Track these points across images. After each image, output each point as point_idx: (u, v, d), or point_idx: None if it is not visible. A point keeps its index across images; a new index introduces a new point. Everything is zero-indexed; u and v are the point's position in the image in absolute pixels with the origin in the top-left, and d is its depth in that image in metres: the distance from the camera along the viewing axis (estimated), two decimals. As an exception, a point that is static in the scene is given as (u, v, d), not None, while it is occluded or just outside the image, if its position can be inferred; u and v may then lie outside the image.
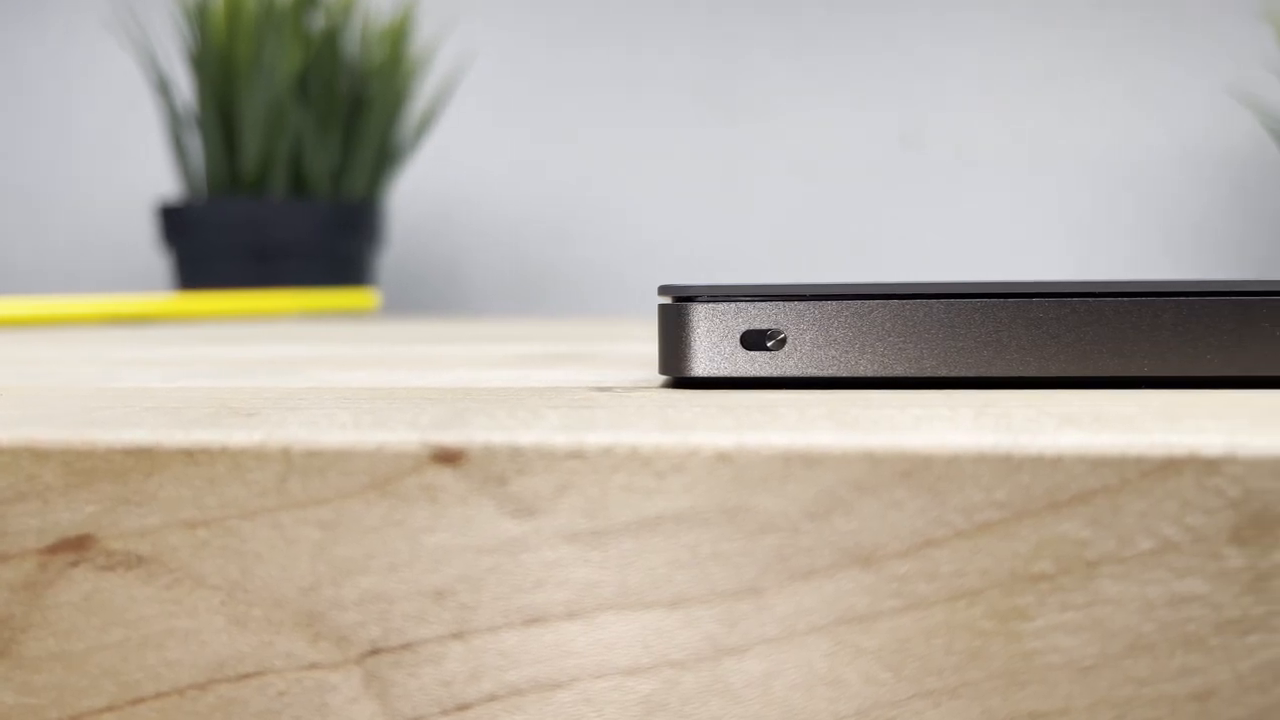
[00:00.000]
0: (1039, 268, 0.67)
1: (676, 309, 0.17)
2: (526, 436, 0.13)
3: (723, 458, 0.12)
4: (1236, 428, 0.12)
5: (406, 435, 0.13)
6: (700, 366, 0.17)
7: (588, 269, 0.73)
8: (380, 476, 0.13)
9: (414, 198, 0.73)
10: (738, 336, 0.17)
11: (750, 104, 0.71)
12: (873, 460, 0.12)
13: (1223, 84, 0.64)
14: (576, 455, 0.12)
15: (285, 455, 0.13)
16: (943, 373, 0.17)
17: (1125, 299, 0.16)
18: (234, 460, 0.13)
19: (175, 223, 0.61)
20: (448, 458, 0.13)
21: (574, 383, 0.19)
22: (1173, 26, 0.67)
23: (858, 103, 0.70)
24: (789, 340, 0.17)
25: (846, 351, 0.17)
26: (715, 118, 0.71)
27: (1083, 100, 0.68)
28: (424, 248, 0.75)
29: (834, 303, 0.17)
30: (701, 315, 0.17)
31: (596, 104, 0.73)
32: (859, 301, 0.17)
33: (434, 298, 0.75)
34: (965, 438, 0.12)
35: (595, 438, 0.12)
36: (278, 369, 0.22)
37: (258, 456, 0.13)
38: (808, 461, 0.12)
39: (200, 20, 0.60)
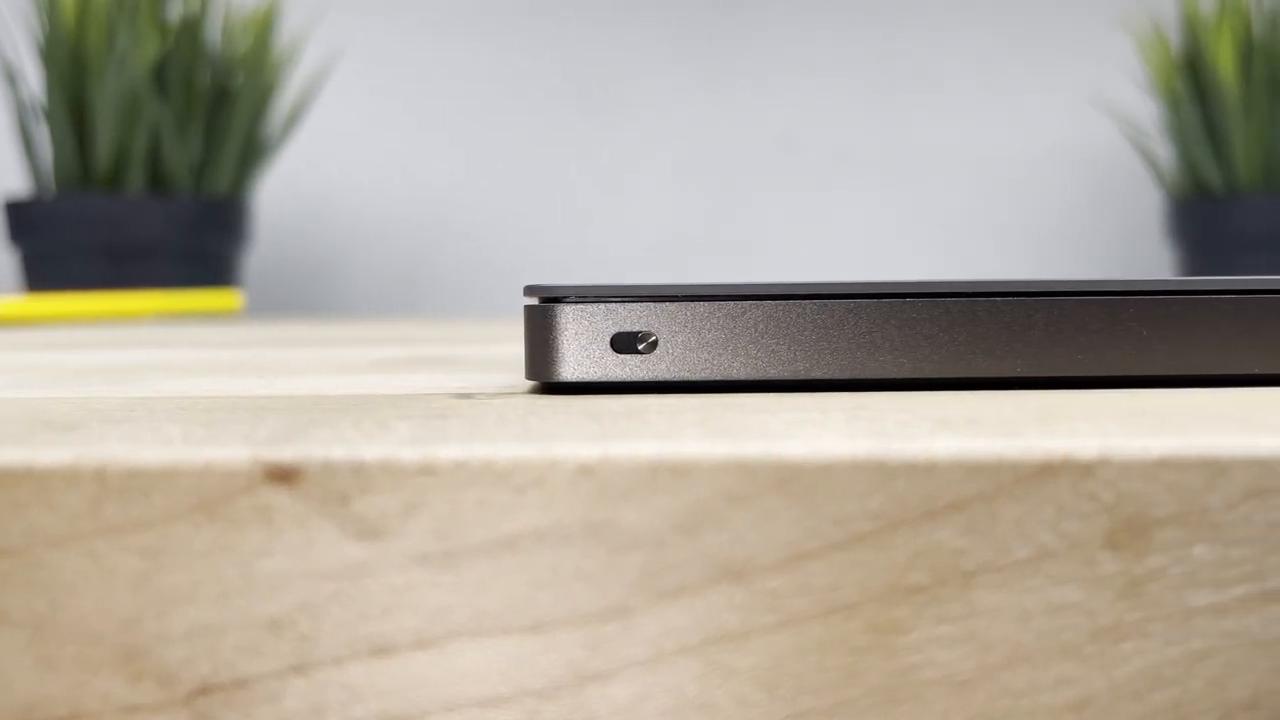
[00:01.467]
0: (915, 268, 0.69)
1: (543, 310, 0.17)
2: (371, 451, 0.11)
3: (585, 470, 0.11)
4: (1109, 430, 0.12)
5: (238, 451, 0.12)
6: (568, 371, 0.16)
7: (465, 268, 0.71)
8: (209, 497, 0.12)
9: (283, 195, 0.70)
10: (607, 339, 0.16)
11: (629, 102, 0.70)
12: (745, 470, 0.11)
13: (1085, 90, 0.67)
14: (426, 471, 0.11)
15: (100, 476, 0.11)
16: (817, 375, 0.16)
17: (997, 299, 0.16)
18: (40, 483, 0.11)
19: (22, 219, 0.58)
20: (283, 476, 0.11)
21: (435, 389, 0.17)
22: (1038, 34, 0.69)
23: (736, 103, 0.70)
24: (660, 343, 0.16)
25: (720, 354, 0.16)
26: (594, 115, 0.70)
27: (954, 103, 0.70)
28: (294, 246, 0.72)
29: (706, 303, 0.16)
30: (569, 317, 0.16)
31: (472, 100, 0.71)
32: (732, 302, 0.16)
33: (305, 299, 0.72)
34: (839, 444, 0.12)
35: (447, 451, 0.11)
36: (114, 377, 0.20)
37: (68, 478, 0.11)
38: (677, 472, 0.11)
39: (49, 7, 0.57)
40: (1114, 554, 0.12)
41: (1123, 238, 0.68)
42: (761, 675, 0.12)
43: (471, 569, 0.11)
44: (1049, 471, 0.11)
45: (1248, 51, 0.54)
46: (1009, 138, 0.69)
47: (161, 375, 0.21)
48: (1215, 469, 0.11)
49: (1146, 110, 0.63)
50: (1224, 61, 0.54)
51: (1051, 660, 0.12)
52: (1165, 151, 0.60)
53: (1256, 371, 0.16)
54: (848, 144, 0.70)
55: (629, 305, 0.16)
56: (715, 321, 0.16)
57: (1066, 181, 0.69)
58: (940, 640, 0.12)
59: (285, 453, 0.12)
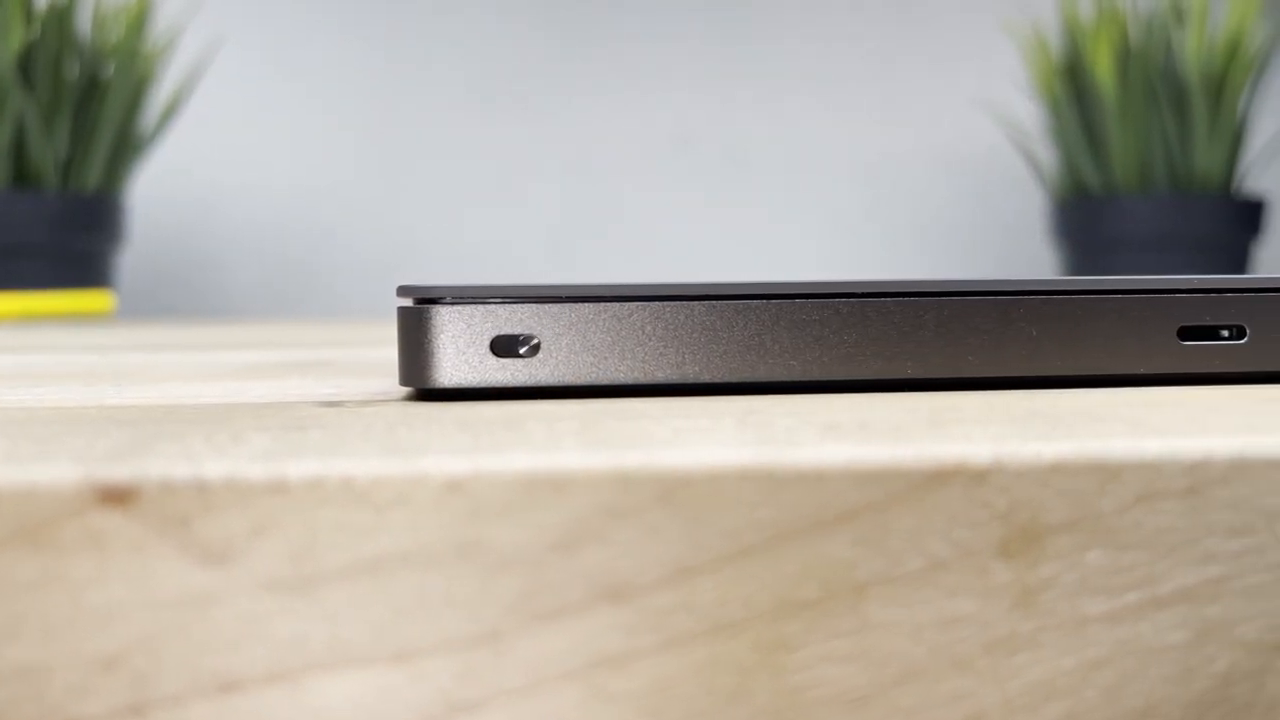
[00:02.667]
0: (806, 269, 0.69)
1: (417, 312, 0.16)
2: (216, 468, 0.10)
3: (453, 486, 0.11)
4: (1002, 434, 0.12)
5: (66, 471, 0.10)
6: (444, 377, 0.15)
7: (352, 269, 0.69)
8: (33, 522, 0.10)
9: (161, 192, 0.67)
10: (487, 342, 0.16)
11: (523, 101, 0.69)
12: (626, 482, 0.11)
13: (973, 94, 0.68)
14: (276, 489, 0.10)
15: (-96, 500, 0.10)
16: (706, 379, 0.16)
17: (887, 300, 0.16)
18: None
19: None
20: (116, 497, 0.10)
21: (303, 396, 0.16)
22: (927, 37, 0.70)
23: (630, 103, 0.70)
24: (543, 346, 0.16)
25: (605, 357, 0.16)
26: (485, 113, 0.69)
27: (845, 105, 0.70)
28: (173, 246, 0.69)
29: (591, 305, 0.16)
30: (446, 319, 0.15)
31: (360, 95, 0.69)
32: (617, 303, 0.16)
33: (183, 300, 0.69)
34: (725, 453, 0.11)
35: (300, 467, 0.11)
36: (-49, 386, 0.19)
37: None
38: (554, 486, 0.11)
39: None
40: (1007, 563, 0.11)
41: (1008, 238, 0.70)
42: (645, 699, 0.11)
43: (329, 595, 0.11)
44: (941, 479, 0.11)
45: (1125, 58, 0.55)
46: (899, 139, 0.70)
47: (5, 383, 0.19)
48: (1107, 473, 0.11)
49: (1030, 114, 0.64)
50: (1102, 67, 0.55)
51: (944, 674, 0.11)
52: (1048, 154, 0.62)
53: (1143, 371, 0.16)
54: (740, 144, 0.70)
55: (509, 306, 0.16)
56: (600, 323, 0.16)
57: (954, 183, 0.70)
58: (831, 657, 0.11)
59: (120, 471, 0.10)
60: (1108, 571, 0.11)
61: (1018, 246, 0.70)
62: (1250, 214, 0.55)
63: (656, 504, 0.11)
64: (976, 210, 0.70)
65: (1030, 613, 0.11)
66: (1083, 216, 0.57)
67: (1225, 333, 0.16)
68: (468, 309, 0.15)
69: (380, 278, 0.69)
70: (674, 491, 0.11)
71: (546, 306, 0.16)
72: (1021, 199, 0.69)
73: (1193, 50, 0.54)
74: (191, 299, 0.70)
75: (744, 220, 0.70)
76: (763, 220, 0.70)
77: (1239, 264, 0.56)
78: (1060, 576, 0.11)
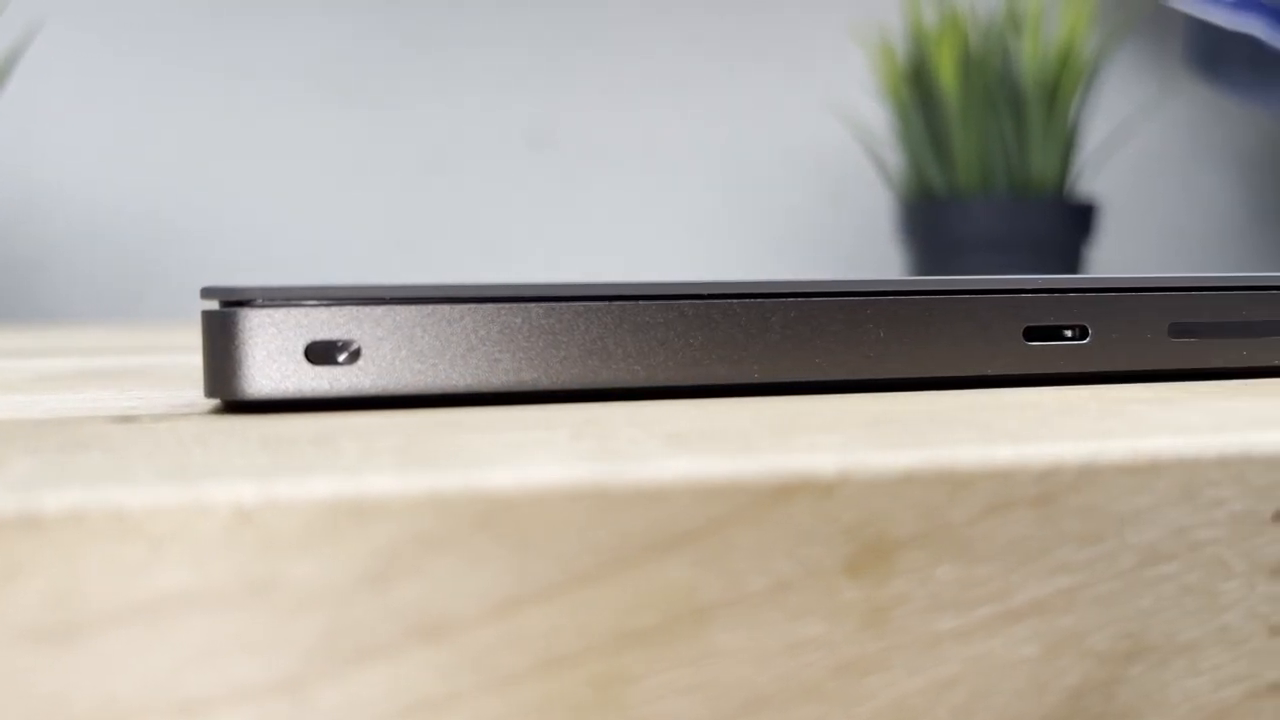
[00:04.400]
0: (658, 269, 0.69)
1: (223, 316, 0.14)
2: (-48, 502, 0.09)
3: (244, 517, 0.09)
4: (849, 443, 0.11)
5: None
6: (253, 386, 0.14)
7: (190, 268, 0.66)
8: None
9: (-30, 186, 0.62)
10: (301, 348, 0.14)
11: (371, 94, 0.67)
12: (444, 507, 0.10)
13: (825, 95, 0.69)
14: (30, 523, 0.09)
15: None
16: (544, 385, 0.15)
17: (733, 301, 0.15)
18: None
19: None
20: None
21: (95, 410, 0.15)
22: (779, 39, 0.71)
23: (482, 100, 0.68)
24: (364, 352, 0.14)
25: (433, 364, 0.14)
26: (332, 107, 0.67)
27: (699, 106, 0.70)
28: (-13, 244, 0.64)
29: (415, 307, 0.14)
30: (255, 323, 0.14)
31: (199, 85, 0.66)
32: (445, 305, 0.14)
33: (7, 302, 0.64)
34: (555, 471, 0.10)
35: (60, 498, 0.09)
36: None
37: None
38: (360, 514, 0.10)
39: None
40: (855, 580, 0.10)
41: (860, 239, 0.71)
42: (469, 745, 0.10)
43: (97, 644, 0.09)
44: (786, 493, 0.10)
45: (966, 64, 0.57)
46: (752, 141, 0.70)
47: None
48: (957, 483, 0.11)
49: (878, 117, 0.66)
50: (945, 72, 0.56)
51: (792, 701, 0.10)
52: (895, 157, 0.63)
53: (990, 373, 0.16)
54: (595, 143, 0.69)
55: (326, 309, 0.14)
56: (426, 327, 0.14)
57: (807, 184, 0.71)
58: (673, 688, 0.10)
59: None
60: (959, 585, 0.11)
61: (870, 247, 0.71)
62: (1082, 216, 0.57)
63: (477, 530, 0.10)
64: (828, 211, 0.71)
65: (880, 632, 0.11)
66: (928, 218, 0.59)
67: (1069, 333, 0.16)
68: (279, 312, 0.14)
69: (218, 279, 0.66)
70: (496, 516, 0.10)
71: (367, 309, 0.14)
72: (872, 200, 0.70)
73: (1028, 58, 0.56)
74: (16, 301, 0.65)
75: (598, 220, 0.69)
76: (617, 220, 0.69)
77: (1073, 264, 0.58)
78: (910, 593, 0.11)
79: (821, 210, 0.72)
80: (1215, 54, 0.59)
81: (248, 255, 0.66)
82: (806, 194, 0.71)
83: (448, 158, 0.68)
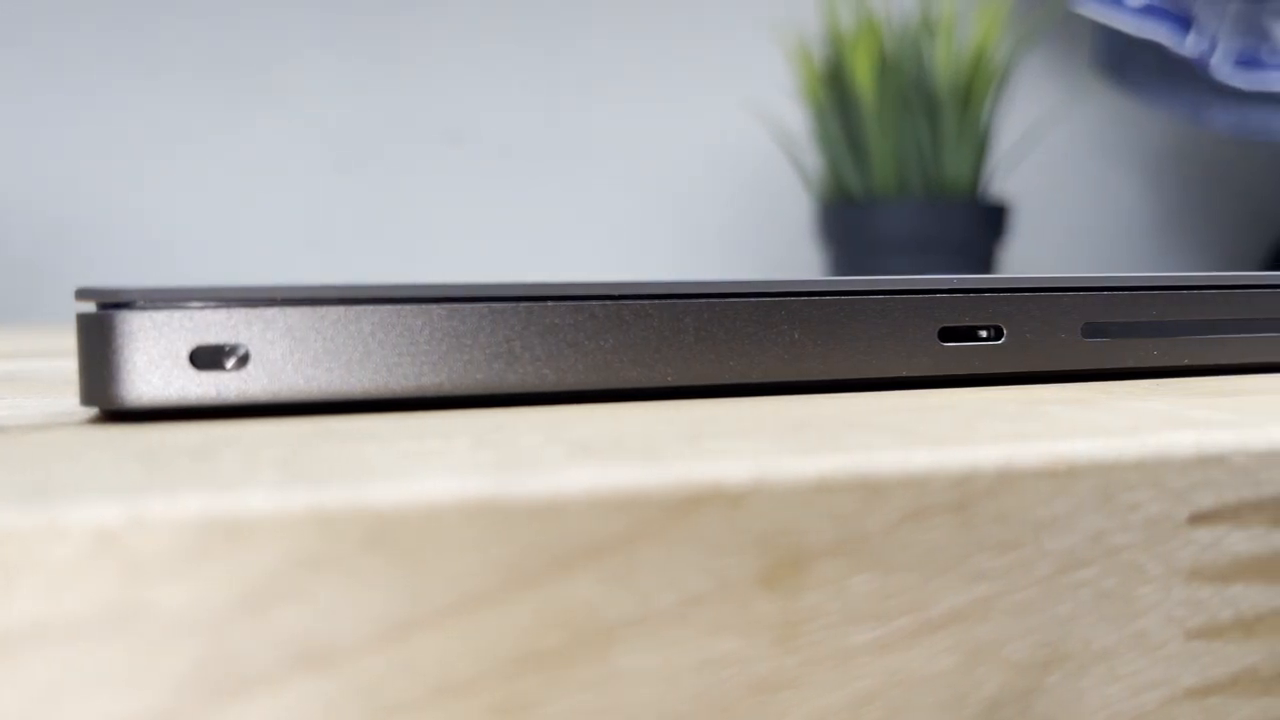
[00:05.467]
0: (577, 269, 0.68)
1: (100, 319, 0.13)
2: None
3: (106, 538, 0.09)
4: (762, 450, 0.11)
5: None
6: (133, 395, 0.13)
7: (91, 266, 0.63)
8: None
9: None
10: (186, 353, 0.13)
11: (280, 88, 0.65)
12: (327, 525, 0.09)
13: (745, 96, 0.69)
14: None
15: None
16: (448, 391, 0.14)
17: (645, 301, 0.15)
18: None
19: None
20: None
21: (-41, 423, 0.14)
22: (700, 39, 0.71)
23: (400, 96, 0.67)
24: (253, 356, 0.13)
25: (329, 369, 0.14)
26: (241, 100, 0.65)
27: (620, 105, 0.70)
28: None
29: (309, 308, 0.14)
30: (135, 327, 0.13)
31: (99, 75, 0.63)
32: (342, 307, 0.14)
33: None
34: (449, 484, 0.09)
35: (-109, 523, 0.08)
36: None
37: None
38: (237, 534, 0.09)
39: None
40: (769, 593, 0.10)
41: (781, 240, 0.71)
42: (359, 780, 0.09)
43: (-63, 685, 0.08)
44: (696, 504, 0.10)
45: (882, 67, 0.57)
46: (673, 141, 0.70)
47: None
48: (872, 490, 0.10)
49: (797, 118, 0.66)
50: (862, 76, 0.57)
51: (705, 722, 0.10)
52: (813, 158, 0.63)
53: (905, 374, 0.16)
54: (514, 141, 0.68)
55: (213, 311, 0.13)
56: (321, 330, 0.14)
57: (727, 185, 0.71)
58: (578, 712, 0.10)
59: None
60: (875, 596, 0.10)
61: (790, 249, 0.71)
62: (995, 217, 0.58)
63: (364, 549, 0.09)
64: (749, 212, 0.71)
65: (795, 646, 0.10)
66: (846, 220, 0.59)
67: (984, 333, 0.16)
68: (161, 314, 0.13)
69: (122, 279, 0.63)
70: (385, 534, 0.09)
71: (256, 311, 0.13)
72: (792, 201, 0.70)
73: (942, 62, 0.56)
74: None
75: (518, 220, 0.68)
76: (535, 221, 0.69)
77: (987, 265, 0.59)
78: (825, 605, 0.10)
79: (742, 211, 0.72)
80: (1122, 59, 0.60)
81: (149, 257, 0.64)
82: (727, 194, 0.71)
83: (361, 155, 0.67)
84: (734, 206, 0.71)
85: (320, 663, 0.09)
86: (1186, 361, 0.17)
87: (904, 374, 0.16)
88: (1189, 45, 0.54)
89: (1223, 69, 0.53)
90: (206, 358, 0.13)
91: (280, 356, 0.14)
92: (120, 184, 0.64)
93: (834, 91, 0.60)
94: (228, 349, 0.13)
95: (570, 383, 0.14)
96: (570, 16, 0.70)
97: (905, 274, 0.16)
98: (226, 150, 0.65)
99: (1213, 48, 0.54)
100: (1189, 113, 0.57)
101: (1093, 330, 0.17)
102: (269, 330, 0.13)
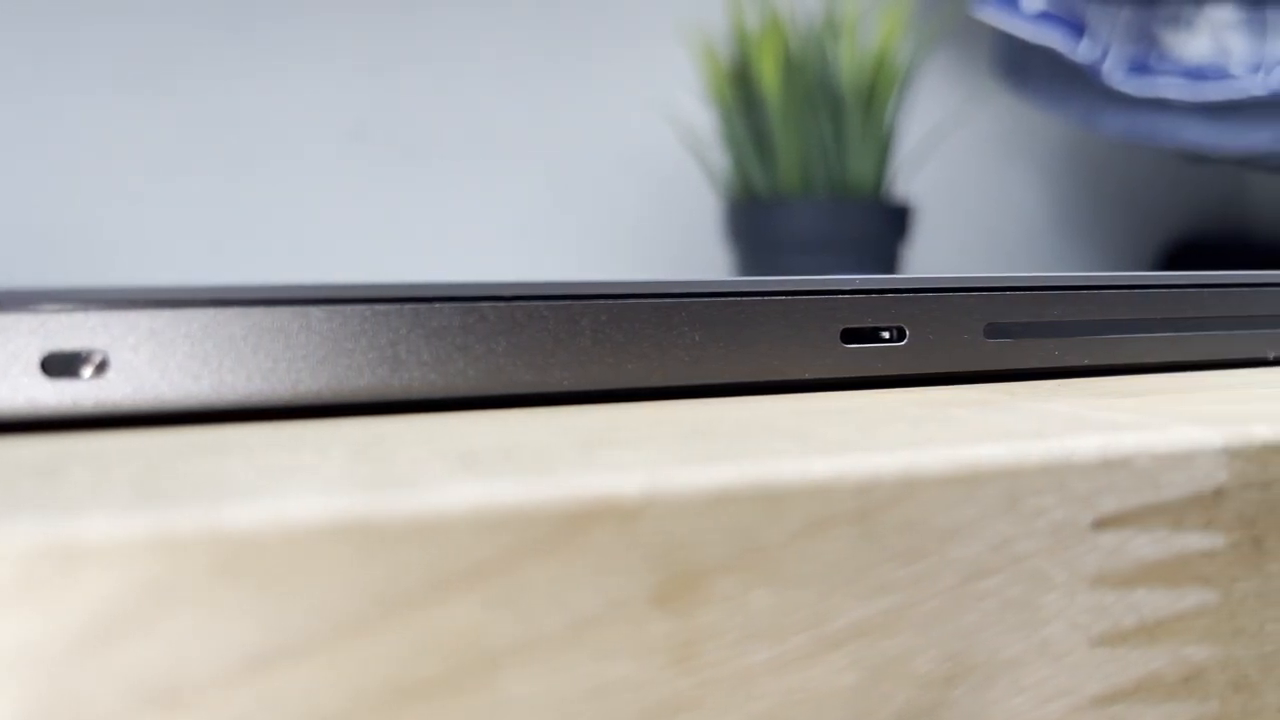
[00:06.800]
0: (488, 270, 0.67)
1: (-62, 325, 0.12)
2: None
3: (-85, 571, 0.08)
4: (657, 460, 0.10)
5: None
6: (-25, 407, 0.12)
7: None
8: None
9: None
10: (37, 360, 0.12)
11: (172, 83, 0.63)
12: (177, 551, 0.08)
13: (655, 96, 0.68)
14: None
15: None
16: (328, 398, 0.13)
17: (538, 303, 0.14)
18: None
19: None
20: None
21: None
22: (609, 36, 0.70)
23: (296, 89, 0.65)
24: (111, 364, 0.12)
25: (197, 376, 0.13)
26: (129, 97, 0.62)
27: (527, 101, 0.69)
28: None
29: (175, 311, 0.13)
30: (-21, 333, 0.12)
31: (-30, 71, 0.60)
32: (211, 309, 0.13)
33: None
34: (317, 503, 0.09)
35: None
36: None
37: None
38: (75, 562, 0.08)
39: None
40: (663, 612, 0.09)
41: (691, 240, 0.71)
42: (216, 829, 0.08)
43: None
44: (587, 520, 0.09)
45: (788, 68, 0.57)
46: (581, 139, 0.70)
47: None
48: (771, 501, 0.10)
49: (704, 119, 0.66)
50: (768, 75, 0.57)
51: (597, 750, 0.09)
52: (721, 158, 0.63)
53: (808, 376, 0.15)
54: (418, 138, 0.67)
55: (68, 314, 0.12)
56: (189, 334, 0.13)
57: (637, 183, 0.71)
58: (460, 745, 0.09)
59: None
60: (774, 612, 0.10)
61: (699, 249, 0.71)
62: (898, 217, 0.58)
63: (217, 577, 0.08)
64: (658, 212, 0.71)
65: (691, 667, 0.10)
66: (752, 220, 0.59)
67: (886, 334, 0.16)
68: (9, 317, 0.12)
69: (12, 278, 0.60)
70: (241, 559, 0.08)
71: (116, 314, 0.12)
72: (700, 201, 0.70)
73: (846, 63, 0.57)
74: None
75: (421, 220, 0.67)
76: (440, 221, 0.67)
77: (890, 265, 0.60)
78: (723, 623, 0.10)
79: (652, 211, 0.71)
80: (1019, 64, 0.61)
81: (31, 257, 0.61)
82: (635, 194, 0.71)
83: (260, 151, 0.65)
84: (643, 207, 0.71)
85: (170, 703, 0.08)
86: (1087, 361, 0.17)
87: (806, 376, 0.15)
88: (1082, 51, 0.55)
89: (1114, 75, 0.55)
90: (60, 365, 0.12)
91: (143, 363, 0.13)
92: (2, 183, 0.61)
93: (740, 91, 0.60)
94: (84, 355, 0.12)
95: (460, 389, 0.14)
96: (475, 14, 0.69)
97: (809, 274, 0.16)
98: (122, 150, 0.63)
99: (1105, 54, 0.55)
100: (1082, 117, 0.59)
101: (995, 330, 0.16)
102: (130, 335, 0.12)
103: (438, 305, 0.14)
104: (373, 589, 0.09)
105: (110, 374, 0.12)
